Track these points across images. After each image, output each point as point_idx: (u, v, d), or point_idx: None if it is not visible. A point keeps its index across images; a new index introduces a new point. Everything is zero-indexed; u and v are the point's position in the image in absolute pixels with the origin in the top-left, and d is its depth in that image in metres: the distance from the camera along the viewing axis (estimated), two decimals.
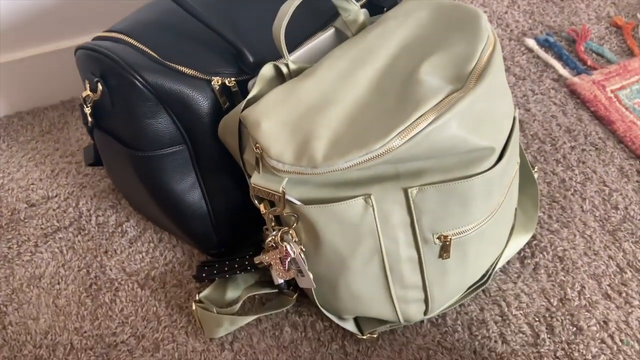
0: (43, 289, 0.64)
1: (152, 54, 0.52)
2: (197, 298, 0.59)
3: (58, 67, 0.82)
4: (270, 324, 0.60)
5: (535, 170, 0.66)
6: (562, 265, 0.63)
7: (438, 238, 0.50)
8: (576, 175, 0.71)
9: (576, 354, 0.56)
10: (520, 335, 0.58)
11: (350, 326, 0.57)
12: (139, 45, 0.53)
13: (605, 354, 0.56)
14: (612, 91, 0.81)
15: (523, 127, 0.77)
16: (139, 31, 0.54)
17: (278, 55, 0.52)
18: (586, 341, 0.57)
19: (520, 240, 0.63)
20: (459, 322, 0.59)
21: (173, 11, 0.56)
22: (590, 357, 0.56)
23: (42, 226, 0.69)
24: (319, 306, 0.55)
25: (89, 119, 0.56)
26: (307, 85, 0.49)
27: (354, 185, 0.47)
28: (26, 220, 0.70)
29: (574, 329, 0.58)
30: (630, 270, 0.62)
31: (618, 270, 0.62)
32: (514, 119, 0.53)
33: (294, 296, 0.59)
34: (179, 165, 0.56)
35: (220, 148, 0.55)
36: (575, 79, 0.82)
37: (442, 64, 0.48)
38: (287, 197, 0.48)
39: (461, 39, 0.49)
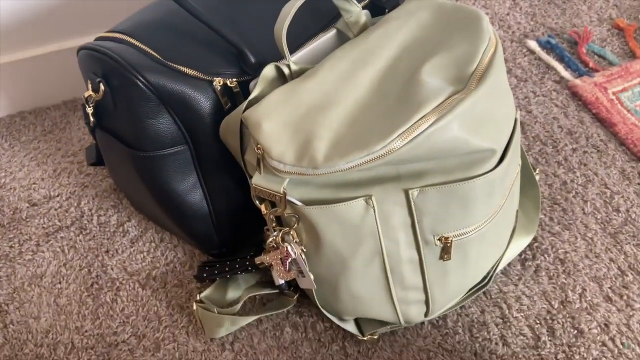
0: (44, 288, 0.64)
1: (154, 54, 0.53)
2: (198, 298, 0.59)
3: (60, 67, 0.82)
4: (271, 324, 0.60)
5: (537, 172, 0.66)
6: (563, 268, 0.63)
7: (439, 239, 0.50)
8: (577, 177, 0.71)
9: (577, 356, 0.56)
10: (521, 337, 0.58)
11: (350, 327, 0.57)
12: (141, 46, 0.53)
13: (606, 357, 0.56)
14: (613, 93, 0.81)
15: (524, 129, 0.77)
16: (141, 32, 0.54)
17: (280, 56, 0.52)
18: (587, 344, 0.57)
19: (521, 243, 0.63)
20: (459, 324, 0.59)
21: (175, 12, 0.56)
22: (591, 359, 0.56)
23: (44, 225, 0.70)
24: (320, 307, 0.55)
25: (91, 119, 0.56)
26: (308, 86, 0.49)
27: (355, 186, 0.48)
28: (28, 220, 0.70)
29: (575, 331, 0.58)
30: (631, 273, 0.62)
31: (619, 273, 0.62)
32: (516, 120, 0.53)
33: (295, 297, 0.59)
34: (181, 165, 0.56)
35: (222, 148, 0.55)
36: (577, 81, 0.82)
37: (444, 65, 0.48)
38: (288, 197, 0.48)
39: (463, 40, 0.49)
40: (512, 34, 0.92)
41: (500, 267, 0.61)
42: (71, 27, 0.80)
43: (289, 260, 0.51)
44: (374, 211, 0.48)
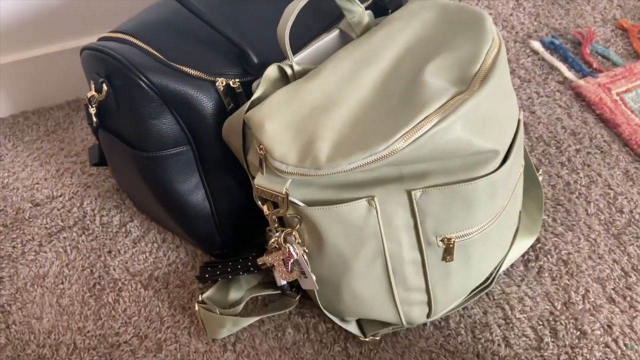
0: (47, 288, 0.64)
1: (157, 54, 0.53)
2: (200, 299, 0.59)
3: (64, 67, 0.82)
4: (273, 325, 0.60)
5: (540, 173, 0.66)
6: (567, 269, 0.62)
7: (441, 240, 0.49)
8: (581, 178, 0.71)
9: (580, 358, 0.56)
10: (524, 339, 0.57)
11: (353, 328, 0.57)
12: (144, 46, 0.53)
13: (609, 359, 0.56)
14: (617, 94, 0.80)
15: (528, 130, 0.77)
16: (144, 32, 0.54)
17: (282, 56, 0.52)
18: (590, 345, 0.57)
19: (524, 244, 0.63)
20: (462, 325, 0.59)
21: (178, 12, 0.56)
22: None
23: (47, 225, 0.70)
24: (322, 308, 0.55)
25: (94, 119, 0.56)
26: (311, 86, 0.49)
27: (358, 187, 0.47)
28: (31, 220, 0.70)
29: (578, 333, 0.58)
30: (635, 274, 0.62)
31: (623, 274, 0.62)
32: (519, 121, 0.52)
33: (297, 298, 0.59)
34: (183, 165, 0.56)
35: (224, 149, 0.55)
36: (581, 82, 0.82)
37: (447, 65, 0.47)
38: (290, 198, 0.48)
39: (466, 40, 0.49)
40: (515, 35, 0.91)
41: (503, 268, 0.60)
42: (74, 27, 0.80)
43: (291, 261, 0.51)
44: (377, 212, 0.47)
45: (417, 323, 0.56)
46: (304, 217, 0.48)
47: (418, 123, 0.44)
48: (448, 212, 0.48)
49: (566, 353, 0.56)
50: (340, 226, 0.48)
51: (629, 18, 0.93)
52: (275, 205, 0.50)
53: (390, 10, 0.62)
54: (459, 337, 0.58)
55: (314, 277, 0.51)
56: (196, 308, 0.58)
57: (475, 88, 0.46)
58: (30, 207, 0.72)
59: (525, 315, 0.59)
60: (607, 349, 0.56)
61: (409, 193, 0.47)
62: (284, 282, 0.54)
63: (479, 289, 0.59)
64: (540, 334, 0.58)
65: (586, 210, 0.68)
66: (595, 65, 0.85)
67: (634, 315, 0.59)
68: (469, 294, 0.58)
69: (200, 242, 0.62)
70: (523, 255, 0.64)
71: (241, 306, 0.59)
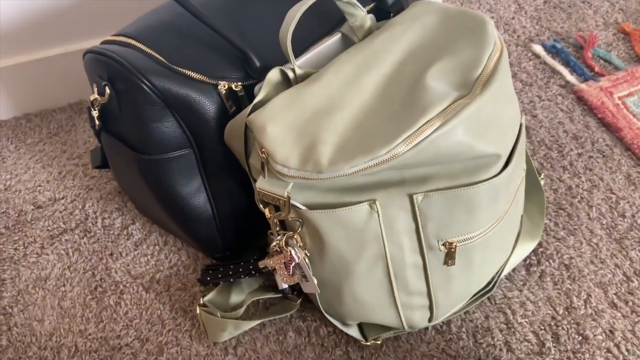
0: (48, 290, 0.64)
1: (160, 58, 0.53)
2: (202, 302, 0.59)
3: (66, 69, 0.82)
4: (274, 328, 0.60)
5: (542, 177, 0.66)
6: (568, 273, 0.62)
7: (443, 245, 0.49)
8: (583, 182, 0.71)
9: None
10: (526, 343, 0.57)
11: (354, 332, 0.57)
12: (147, 49, 0.53)
13: None
14: (619, 98, 0.80)
15: (530, 134, 0.77)
16: (147, 35, 0.54)
17: (284, 60, 0.52)
18: (592, 350, 0.56)
19: (526, 248, 0.63)
20: (463, 329, 0.59)
21: (181, 15, 0.56)
22: None
23: (49, 228, 0.70)
24: (323, 311, 0.55)
25: (97, 122, 0.56)
26: (313, 90, 0.49)
27: (359, 191, 0.47)
28: (33, 222, 0.70)
29: (580, 337, 0.57)
30: (637, 279, 0.62)
31: (625, 278, 0.62)
32: (521, 125, 0.52)
33: (298, 301, 0.59)
34: (185, 168, 0.56)
35: (226, 152, 0.55)
36: (583, 86, 0.82)
37: (449, 69, 0.47)
38: (292, 201, 0.48)
39: (468, 45, 0.49)
40: (517, 38, 0.91)
41: (505, 272, 0.60)
42: (77, 30, 0.80)
43: (293, 264, 0.51)
44: (378, 216, 0.47)
45: (418, 327, 0.56)
46: (306, 220, 0.48)
47: (420, 127, 0.44)
48: (450, 216, 0.48)
49: (568, 358, 0.56)
50: (342, 229, 0.48)
51: (631, 22, 0.93)
52: (277, 208, 0.50)
53: (392, 14, 0.62)
54: (460, 341, 0.58)
55: (315, 281, 0.51)
56: (197, 311, 0.58)
57: (477, 92, 0.46)
58: (33, 209, 0.72)
59: (527, 320, 0.59)
60: (609, 354, 0.56)
61: (410, 197, 0.47)
62: (285, 286, 0.54)
63: (481, 293, 0.59)
64: (542, 338, 0.58)
65: (588, 214, 0.67)
66: (597, 69, 0.85)
67: (636, 320, 0.59)
68: (470, 298, 0.58)
69: (202, 244, 0.62)
70: (525, 260, 0.63)
71: (242, 309, 0.59)
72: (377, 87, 0.48)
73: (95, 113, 0.55)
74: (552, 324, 0.58)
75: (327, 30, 0.59)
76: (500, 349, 0.57)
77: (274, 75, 0.51)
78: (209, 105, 0.53)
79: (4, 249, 0.68)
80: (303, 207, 0.48)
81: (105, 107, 0.55)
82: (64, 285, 0.64)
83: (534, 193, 0.64)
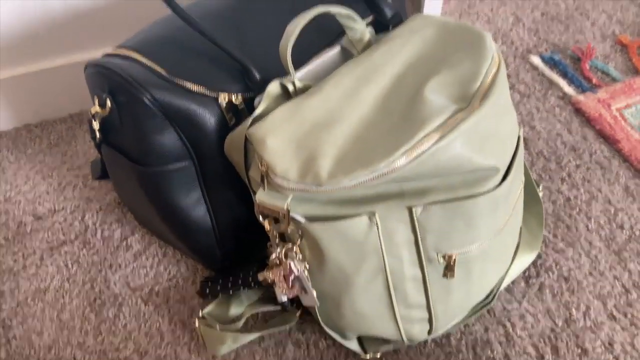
0: (48, 303, 0.64)
1: (161, 70, 0.53)
2: (201, 314, 0.59)
3: (67, 80, 0.83)
4: (273, 341, 0.59)
5: (540, 189, 0.66)
6: (567, 286, 0.62)
7: (442, 257, 0.49)
8: (581, 194, 0.71)
9: None
10: (525, 356, 0.57)
11: (353, 345, 0.57)
12: (148, 62, 0.53)
13: None
14: (617, 110, 0.81)
15: (528, 145, 0.77)
16: (148, 48, 0.55)
17: (284, 72, 0.52)
18: None
19: (525, 260, 0.63)
20: (463, 342, 0.58)
21: (181, 28, 0.57)
22: None
23: (48, 239, 0.70)
24: (322, 324, 0.55)
25: (97, 134, 0.56)
26: (312, 103, 0.49)
27: (359, 203, 0.48)
28: (32, 233, 0.70)
29: (579, 350, 0.57)
30: (635, 291, 0.62)
31: (623, 291, 0.62)
32: (519, 138, 0.53)
33: (297, 313, 0.59)
34: (185, 180, 0.56)
35: (226, 164, 0.55)
36: (580, 97, 0.82)
37: (447, 83, 0.48)
38: (291, 214, 0.48)
39: (466, 58, 0.49)
40: (515, 50, 0.92)
41: (504, 284, 0.60)
42: (77, 42, 0.81)
43: (292, 277, 0.51)
44: (378, 228, 0.48)
45: (418, 340, 0.56)
46: (305, 232, 0.48)
47: (419, 140, 0.44)
48: (449, 228, 0.48)
49: None
50: (341, 242, 0.48)
51: (628, 34, 0.94)
52: (277, 220, 0.50)
53: (391, 27, 0.62)
54: (460, 354, 0.58)
55: (314, 293, 0.51)
56: (196, 324, 0.58)
57: (476, 106, 0.46)
58: (32, 220, 0.72)
59: (526, 333, 0.59)
60: None
61: (409, 209, 0.47)
62: (284, 298, 0.54)
63: (480, 305, 0.59)
64: (541, 351, 0.57)
65: (587, 226, 0.68)
66: (594, 80, 0.85)
67: (635, 332, 0.58)
68: (470, 311, 0.58)
69: (201, 256, 0.62)
70: (524, 272, 0.63)
71: (242, 322, 0.59)
72: (376, 100, 0.49)
73: (96, 125, 0.56)
74: (552, 336, 0.58)
75: (326, 43, 0.59)
76: None
77: (273, 88, 0.51)
78: (209, 118, 0.53)
79: (3, 261, 0.68)
80: (302, 220, 0.48)
81: (106, 119, 0.55)
82: (63, 297, 0.64)
83: (532, 204, 0.64)
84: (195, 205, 0.58)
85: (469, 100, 0.46)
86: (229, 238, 0.60)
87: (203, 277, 0.65)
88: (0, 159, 0.80)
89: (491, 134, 0.47)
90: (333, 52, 0.57)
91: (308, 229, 0.48)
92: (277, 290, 0.53)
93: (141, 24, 0.82)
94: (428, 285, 0.51)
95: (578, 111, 0.81)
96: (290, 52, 0.50)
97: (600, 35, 0.94)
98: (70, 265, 0.67)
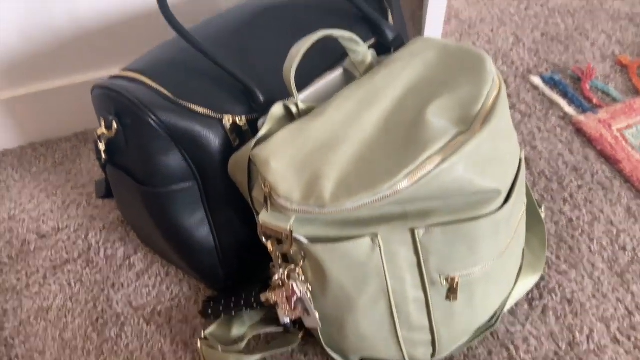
0: (50, 322, 0.64)
1: (166, 93, 0.54)
2: (203, 335, 0.59)
3: (72, 100, 0.84)
4: None
5: (542, 209, 0.66)
6: (571, 308, 0.62)
7: (445, 279, 0.49)
8: (584, 215, 0.71)
9: None
10: None
11: None
12: (154, 85, 0.54)
13: None
14: (618, 130, 0.81)
15: (530, 165, 0.78)
16: (154, 70, 0.56)
17: (287, 93, 0.53)
18: None
19: (528, 282, 0.62)
20: None
21: (186, 50, 0.58)
22: None
23: (52, 258, 0.70)
24: (325, 346, 0.55)
25: (103, 155, 0.57)
26: (315, 125, 0.50)
27: (361, 225, 0.48)
28: (36, 252, 0.71)
29: None
30: (639, 314, 0.61)
31: (627, 313, 0.62)
32: (520, 160, 0.53)
33: (300, 335, 0.59)
34: (189, 201, 0.57)
35: (229, 184, 0.56)
36: (581, 117, 0.83)
37: (449, 106, 0.48)
38: (294, 235, 0.48)
39: (467, 81, 0.50)
40: (515, 70, 0.93)
41: (508, 306, 0.60)
42: (83, 62, 0.82)
43: (295, 298, 0.51)
44: (380, 250, 0.48)
45: None
46: (308, 254, 0.49)
47: (421, 163, 0.44)
48: (451, 250, 0.48)
49: None
50: (344, 263, 0.48)
51: (628, 54, 0.95)
52: (279, 241, 0.50)
53: (392, 49, 0.63)
54: None
55: (317, 315, 0.51)
56: (198, 345, 0.57)
57: (477, 129, 0.46)
58: (36, 238, 0.72)
59: (530, 356, 0.58)
60: None
61: (412, 231, 0.48)
62: (287, 320, 0.54)
63: (484, 328, 0.58)
64: None
65: (589, 247, 0.68)
66: (595, 101, 0.86)
67: (639, 356, 0.58)
68: (473, 333, 0.58)
69: (204, 276, 0.62)
70: (527, 294, 0.63)
71: (244, 343, 0.59)
72: (378, 123, 0.49)
73: (102, 146, 0.56)
74: (555, 359, 0.58)
75: (329, 65, 0.60)
76: None
77: (277, 110, 0.52)
78: (213, 139, 0.54)
79: (6, 279, 0.68)
80: (305, 241, 0.48)
81: (112, 140, 0.56)
82: (65, 317, 0.64)
83: (535, 225, 0.64)
84: (198, 225, 0.58)
85: (470, 123, 0.47)
86: (232, 258, 0.61)
87: (205, 297, 0.65)
88: (5, 177, 0.80)
89: (493, 157, 0.47)
90: (336, 74, 0.57)
91: (311, 250, 0.48)
92: (280, 312, 0.53)
93: (146, 45, 0.83)
94: (431, 307, 0.51)
95: (579, 131, 0.82)
96: (294, 74, 0.50)
97: (600, 56, 0.94)
98: (73, 284, 0.67)
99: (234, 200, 0.57)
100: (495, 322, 0.58)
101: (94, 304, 0.65)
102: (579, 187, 0.74)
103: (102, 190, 0.66)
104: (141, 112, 0.52)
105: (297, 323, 0.59)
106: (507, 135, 0.50)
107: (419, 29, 1.01)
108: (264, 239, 0.50)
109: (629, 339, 0.59)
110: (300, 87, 0.56)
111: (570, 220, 0.71)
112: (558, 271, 0.65)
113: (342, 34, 0.53)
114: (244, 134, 0.55)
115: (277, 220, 0.48)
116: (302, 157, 0.48)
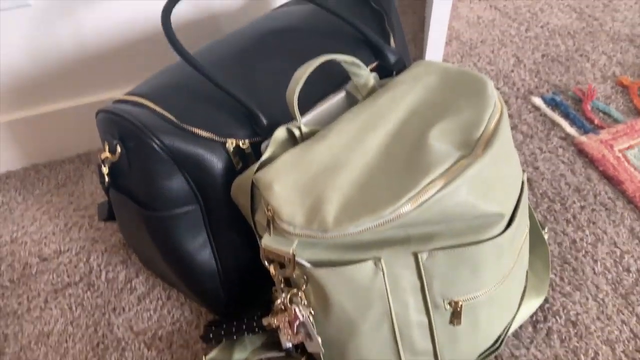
0: (51, 347, 0.63)
1: (170, 117, 0.54)
2: None
3: (75, 122, 0.84)
4: None
5: (545, 231, 0.66)
6: (575, 331, 0.61)
7: (449, 303, 0.49)
8: (587, 236, 0.71)
9: None
10: None
11: None
12: (157, 109, 0.54)
13: None
14: (620, 151, 0.81)
15: (532, 186, 0.78)
16: (157, 94, 0.56)
17: (290, 116, 0.53)
18: None
19: (532, 304, 0.62)
20: None
21: (190, 74, 0.58)
22: None
23: (53, 281, 0.70)
24: None
25: (106, 179, 0.57)
26: (318, 148, 0.50)
27: (364, 248, 0.48)
28: (37, 275, 0.70)
29: None
30: None
31: (632, 335, 0.61)
32: (523, 183, 0.53)
33: None
34: (191, 224, 0.57)
35: (232, 208, 0.56)
36: (583, 138, 0.83)
37: (451, 129, 0.48)
38: (297, 259, 0.48)
39: (468, 105, 0.50)
40: (517, 91, 0.93)
41: (512, 329, 0.60)
42: (86, 85, 0.83)
43: (297, 322, 0.51)
44: (383, 274, 0.47)
45: None
46: (310, 277, 0.48)
47: (424, 187, 0.44)
48: (455, 274, 0.48)
49: None
50: (347, 288, 0.48)
51: (629, 75, 0.95)
52: (282, 265, 0.50)
53: (394, 73, 0.64)
54: None
55: (319, 340, 0.51)
56: None
57: (479, 153, 0.47)
58: (38, 261, 0.72)
59: None
60: None
61: (415, 255, 0.47)
62: (289, 345, 0.53)
63: (488, 352, 0.58)
64: None
65: (593, 269, 0.67)
66: (596, 121, 0.86)
67: None
68: (477, 357, 0.57)
69: (206, 300, 0.62)
70: (531, 316, 0.63)
71: None
72: (380, 147, 0.49)
73: (105, 170, 0.56)
74: None
75: (332, 88, 0.60)
76: None
77: (280, 133, 0.52)
78: (216, 162, 0.54)
79: (7, 303, 0.68)
80: (308, 265, 0.48)
81: (115, 164, 0.56)
82: (66, 342, 0.64)
83: (538, 247, 0.64)
84: (200, 248, 0.58)
85: (472, 147, 0.47)
86: (234, 282, 0.60)
87: (207, 321, 0.64)
88: (8, 200, 0.81)
89: (495, 181, 0.47)
90: (338, 97, 0.58)
91: (313, 274, 0.48)
92: (282, 336, 0.53)
93: (150, 69, 0.84)
94: (435, 332, 0.50)
95: (581, 152, 0.82)
96: (297, 97, 0.51)
97: (601, 77, 0.95)
98: (74, 308, 0.67)
99: (236, 224, 0.57)
100: (500, 345, 0.58)
101: (95, 329, 0.65)
102: (582, 207, 0.74)
103: (104, 213, 0.66)
104: (145, 135, 0.52)
105: (300, 348, 0.59)
106: (509, 159, 0.50)
107: (420, 50, 1.02)
108: (266, 263, 0.50)
109: None
110: (303, 111, 0.56)
111: (574, 241, 0.70)
112: (562, 293, 0.65)
113: (344, 58, 0.54)
114: (247, 157, 0.56)
115: (280, 244, 0.48)
116: (305, 181, 0.48)
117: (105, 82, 0.83)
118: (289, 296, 0.50)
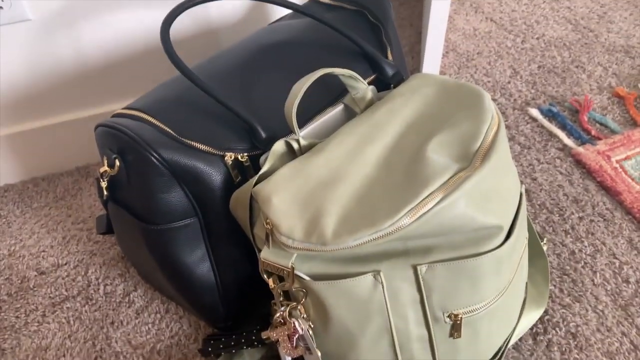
0: None
1: (169, 130, 0.54)
2: None
3: (73, 135, 0.84)
4: None
5: (544, 242, 0.66)
6: (575, 342, 0.61)
7: (448, 316, 0.49)
8: (586, 247, 0.71)
9: None
10: None
11: None
12: (156, 122, 0.55)
13: None
14: (617, 161, 0.81)
15: (530, 197, 0.78)
16: (156, 108, 0.56)
17: (289, 129, 0.54)
18: None
19: (532, 316, 0.62)
20: None
21: (188, 88, 0.58)
22: None
23: (51, 295, 0.69)
24: None
25: (105, 192, 0.57)
26: (317, 161, 0.50)
27: (363, 261, 0.48)
28: (35, 289, 0.70)
29: None
30: None
31: (632, 347, 0.61)
32: (521, 195, 0.53)
33: None
34: (190, 237, 0.56)
35: (231, 221, 0.56)
36: (580, 149, 0.83)
37: (449, 142, 0.49)
38: (296, 272, 0.48)
39: (466, 118, 0.50)
40: (514, 102, 0.94)
41: (512, 342, 0.59)
42: (84, 99, 0.83)
43: (296, 336, 0.50)
44: (383, 287, 0.47)
45: None
46: (310, 291, 0.48)
47: (422, 200, 0.44)
48: (454, 287, 0.48)
49: None
50: (346, 301, 0.48)
51: (625, 86, 0.96)
52: (281, 278, 0.50)
53: (392, 85, 0.64)
54: None
55: (319, 354, 0.51)
56: None
57: (477, 165, 0.47)
58: (36, 275, 0.72)
59: None
60: None
61: (414, 268, 0.47)
62: (288, 359, 0.53)
63: None
64: None
65: (592, 280, 0.67)
66: (593, 132, 0.87)
67: None
68: None
69: (204, 313, 0.62)
70: (532, 328, 0.63)
71: None
72: (378, 159, 0.49)
73: (104, 184, 0.56)
74: None
75: (330, 101, 0.60)
76: None
77: (279, 146, 0.52)
78: (215, 176, 0.54)
79: (5, 317, 0.67)
80: (307, 278, 0.48)
81: (114, 178, 0.56)
82: (64, 356, 0.63)
83: (537, 259, 0.64)
84: (199, 262, 0.58)
85: (470, 160, 0.47)
86: (233, 295, 0.60)
87: (206, 335, 0.64)
88: (6, 213, 0.80)
89: (493, 193, 0.47)
90: (336, 110, 0.58)
91: (313, 287, 0.48)
92: (281, 350, 0.52)
93: (148, 83, 0.84)
94: (435, 345, 0.50)
95: (578, 163, 0.82)
96: (296, 111, 0.51)
97: (597, 88, 0.96)
98: (72, 322, 0.66)
99: (235, 237, 0.57)
100: (500, 358, 0.57)
101: (93, 343, 0.64)
102: (580, 218, 0.74)
103: (102, 226, 0.66)
104: (143, 149, 0.52)
105: None
106: (507, 171, 0.50)
107: (417, 63, 1.02)
108: (265, 276, 0.50)
109: None
110: (302, 123, 0.56)
111: (573, 252, 0.70)
112: (562, 304, 0.65)
113: (342, 72, 0.54)
114: (246, 171, 0.56)
115: (279, 257, 0.48)
116: (304, 194, 0.48)
117: (104, 95, 0.83)
118: (288, 309, 0.50)
